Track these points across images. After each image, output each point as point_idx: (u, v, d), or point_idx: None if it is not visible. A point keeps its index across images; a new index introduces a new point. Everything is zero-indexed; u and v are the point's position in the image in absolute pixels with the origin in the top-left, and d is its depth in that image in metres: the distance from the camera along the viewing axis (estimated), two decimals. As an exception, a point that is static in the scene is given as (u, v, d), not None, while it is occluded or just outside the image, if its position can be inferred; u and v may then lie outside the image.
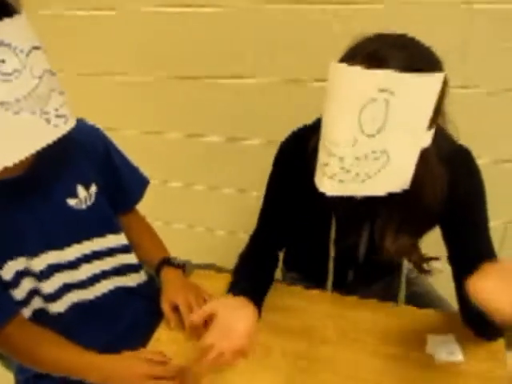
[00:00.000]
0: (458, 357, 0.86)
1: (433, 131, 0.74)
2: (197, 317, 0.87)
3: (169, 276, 1.04)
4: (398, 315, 0.98)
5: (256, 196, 1.74)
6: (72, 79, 1.66)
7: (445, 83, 0.72)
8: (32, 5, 1.50)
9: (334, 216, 0.96)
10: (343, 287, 1.09)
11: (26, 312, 0.92)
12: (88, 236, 0.96)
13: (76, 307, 0.97)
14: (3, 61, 0.65)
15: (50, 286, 0.91)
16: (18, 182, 0.85)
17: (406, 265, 1.03)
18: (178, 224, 2.00)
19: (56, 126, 0.74)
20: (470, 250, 0.90)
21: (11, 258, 0.86)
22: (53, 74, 0.73)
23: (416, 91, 0.67)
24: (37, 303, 0.93)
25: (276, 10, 1.36)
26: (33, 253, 0.88)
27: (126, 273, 1.05)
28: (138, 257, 1.09)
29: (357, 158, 0.71)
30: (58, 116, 0.74)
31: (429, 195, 0.80)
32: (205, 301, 0.99)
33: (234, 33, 1.45)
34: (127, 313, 1.05)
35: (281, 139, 0.99)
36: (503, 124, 1.36)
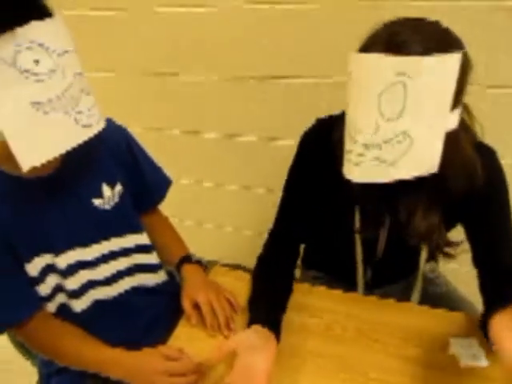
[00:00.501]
0: (482, 361, 0.84)
1: (458, 112, 0.74)
2: (216, 359, 0.85)
3: (189, 273, 1.05)
4: (419, 316, 0.97)
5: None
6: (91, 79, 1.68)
7: (465, 61, 0.71)
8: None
9: (358, 206, 0.96)
10: (365, 287, 1.08)
11: (51, 307, 0.93)
12: (111, 235, 0.97)
13: (98, 304, 0.98)
14: (37, 61, 0.66)
15: (73, 282, 0.93)
16: (48, 181, 0.87)
17: (424, 261, 1.02)
18: (207, 223, 2.02)
19: (86, 126, 0.74)
20: (493, 254, 0.89)
21: (38, 254, 0.88)
22: (83, 75, 0.74)
23: (433, 73, 0.67)
24: (61, 299, 0.94)
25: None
26: (59, 250, 0.90)
27: (146, 272, 1.06)
28: (160, 255, 1.09)
29: (380, 144, 0.72)
30: (88, 116, 0.74)
31: (458, 178, 0.80)
32: (226, 299, 1.00)
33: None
34: (147, 310, 1.06)
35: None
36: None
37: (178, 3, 1.47)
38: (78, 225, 0.91)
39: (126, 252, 1.00)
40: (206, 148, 1.76)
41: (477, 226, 0.93)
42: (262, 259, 1.05)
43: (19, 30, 0.64)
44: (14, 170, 0.81)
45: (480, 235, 0.93)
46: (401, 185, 0.77)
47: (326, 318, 0.97)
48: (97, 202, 0.94)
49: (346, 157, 0.77)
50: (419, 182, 0.78)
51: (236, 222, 1.93)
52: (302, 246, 1.14)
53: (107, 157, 0.96)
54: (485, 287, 0.91)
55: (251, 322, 0.89)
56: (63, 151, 0.73)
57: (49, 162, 0.73)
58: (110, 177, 0.96)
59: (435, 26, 0.73)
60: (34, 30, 0.65)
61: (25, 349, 1.08)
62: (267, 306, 0.92)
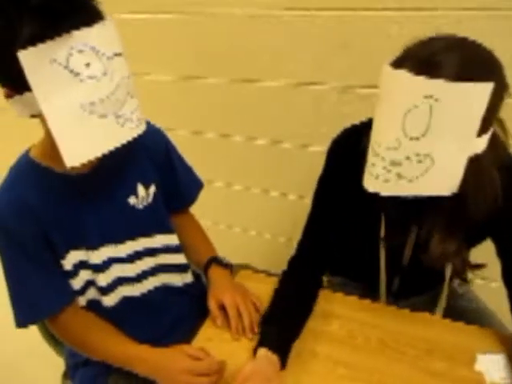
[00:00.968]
0: (510, 379, 0.82)
1: (486, 137, 0.72)
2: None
3: (216, 275, 1.06)
4: (445, 329, 0.95)
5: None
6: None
7: (500, 89, 0.70)
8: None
9: (384, 215, 0.95)
10: (387, 297, 1.07)
11: (81, 301, 0.96)
12: (142, 234, 0.99)
13: (126, 300, 1.00)
14: (88, 64, 0.68)
15: (104, 278, 0.95)
16: (85, 179, 0.89)
17: (449, 277, 1.00)
18: (236, 227, 2.04)
19: (128, 129, 0.76)
20: None
21: (73, 250, 0.91)
22: (130, 78, 0.76)
23: (462, 99, 0.66)
24: (91, 294, 0.97)
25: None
26: (92, 246, 0.92)
27: (173, 272, 1.07)
28: (188, 256, 1.11)
29: (401, 160, 0.71)
30: (131, 120, 0.76)
31: (479, 202, 0.78)
32: (252, 303, 1.00)
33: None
34: (172, 309, 1.08)
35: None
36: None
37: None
38: (111, 222, 0.94)
39: (155, 251, 1.02)
40: (235, 151, 1.78)
41: (506, 242, 0.91)
42: (287, 273, 1.05)
43: (75, 33, 0.67)
44: (57, 166, 0.85)
45: (508, 254, 0.91)
46: (425, 199, 0.77)
47: (349, 327, 0.97)
48: (131, 200, 0.96)
49: (367, 168, 0.77)
50: (439, 202, 0.78)
51: (272, 228, 1.94)
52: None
53: (144, 158, 0.99)
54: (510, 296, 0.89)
55: (263, 343, 0.88)
56: (106, 151, 0.75)
57: (90, 161, 0.76)
58: (146, 178, 0.98)
59: (476, 49, 0.72)
60: (87, 33, 0.68)
61: (53, 339, 1.10)
62: (282, 329, 0.91)
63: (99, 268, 0.94)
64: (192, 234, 1.15)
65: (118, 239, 0.96)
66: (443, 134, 0.68)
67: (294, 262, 1.06)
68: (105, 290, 0.96)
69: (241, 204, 1.91)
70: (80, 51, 0.68)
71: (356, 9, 1.32)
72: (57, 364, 1.16)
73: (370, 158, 0.76)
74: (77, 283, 0.94)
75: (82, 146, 0.73)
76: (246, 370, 0.82)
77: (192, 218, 1.19)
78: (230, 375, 0.87)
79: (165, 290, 1.06)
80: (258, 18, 1.46)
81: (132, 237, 0.98)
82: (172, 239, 1.05)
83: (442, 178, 0.73)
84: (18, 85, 0.69)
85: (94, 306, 0.97)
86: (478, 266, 0.90)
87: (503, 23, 1.19)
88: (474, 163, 0.73)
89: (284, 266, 1.06)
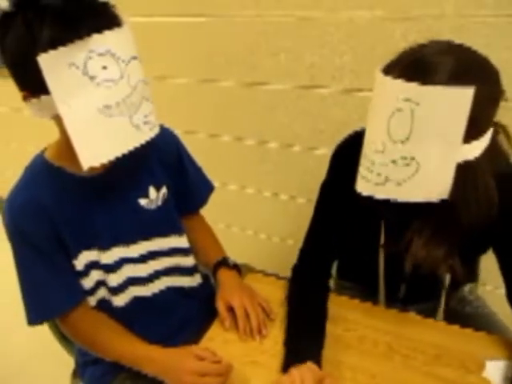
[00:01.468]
0: (518, 386, 0.82)
1: (479, 144, 0.71)
2: None
3: (225, 276, 1.06)
4: (453, 335, 0.95)
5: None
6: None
7: (492, 96, 0.70)
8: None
9: (383, 221, 0.95)
10: (396, 303, 1.07)
11: (92, 301, 0.97)
12: (153, 235, 1.00)
13: (136, 301, 1.01)
14: (105, 67, 0.70)
15: (115, 279, 0.96)
16: (98, 180, 0.90)
17: (447, 283, 1.00)
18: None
19: (142, 132, 0.78)
20: None
21: (84, 250, 0.92)
22: (146, 82, 0.77)
23: (442, 104, 0.66)
24: (102, 294, 0.98)
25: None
26: (104, 246, 0.94)
27: (182, 274, 1.08)
28: (198, 258, 1.12)
29: (387, 163, 0.72)
30: (145, 123, 0.78)
31: (471, 210, 0.77)
32: (260, 305, 1.01)
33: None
34: (180, 310, 1.08)
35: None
36: None
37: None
38: (123, 223, 0.95)
39: (165, 253, 1.03)
40: (247, 154, 1.79)
41: (507, 259, 0.90)
42: (294, 283, 1.05)
43: (93, 37, 0.68)
44: (70, 167, 0.86)
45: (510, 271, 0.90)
46: (422, 206, 0.76)
47: (356, 331, 0.97)
48: (143, 202, 0.97)
49: (359, 171, 0.78)
50: (430, 208, 0.77)
51: (281, 231, 1.95)
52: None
53: (156, 160, 1.00)
54: None
55: (301, 359, 0.85)
56: (120, 154, 0.76)
57: (103, 163, 0.77)
58: (157, 180, 0.99)
59: (469, 55, 0.71)
60: (105, 37, 0.69)
61: (64, 338, 1.12)
62: (313, 340, 0.91)
63: (110, 268, 0.95)
64: (202, 237, 1.16)
65: (129, 240, 0.97)
66: (426, 139, 0.68)
67: (298, 270, 1.06)
68: (116, 290, 0.97)
69: (252, 207, 1.92)
70: (98, 55, 0.69)
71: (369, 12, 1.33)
72: (66, 362, 1.18)
73: (362, 161, 0.77)
74: (87, 283, 0.95)
75: (97, 147, 0.74)
76: (295, 374, 0.81)
77: (202, 220, 1.20)
78: (237, 376, 0.87)
79: (174, 291, 1.07)
80: (270, 20, 1.47)
81: (143, 238, 0.99)
82: (182, 241, 1.06)
83: (429, 183, 0.73)
84: (36, 88, 0.71)
85: (103, 306, 0.98)
86: (471, 278, 0.89)
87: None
88: (467, 170, 0.72)
89: (279, 266, 1.06)
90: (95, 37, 0.68)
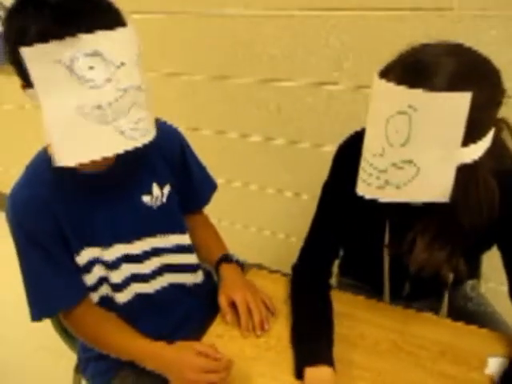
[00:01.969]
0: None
1: (479, 147, 0.71)
2: None
3: (227, 272, 1.06)
4: (456, 332, 0.95)
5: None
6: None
7: (492, 97, 0.69)
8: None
9: (388, 220, 0.95)
10: (400, 300, 1.07)
11: (94, 297, 0.97)
12: (156, 232, 1.00)
13: (138, 297, 1.01)
14: (92, 68, 0.68)
15: (117, 276, 0.96)
16: (100, 178, 0.90)
17: (450, 282, 1.00)
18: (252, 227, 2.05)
19: (128, 138, 0.74)
20: None
21: (86, 247, 0.92)
22: (141, 89, 0.74)
23: (440, 109, 0.65)
24: (104, 290, 0.98)
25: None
26: (106, 243, 0.94)
27: (184, 271, 1.08)
28: (201, 255, 1.12)
29: (386, 166, 0.72)
30: (133, 129, 0.75)
31: (472, 212, 0.76)
32: (262, 301, 1.01)
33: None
34: (182, 307, 1.08)
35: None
36: None
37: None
38: (125, 220, 0.95)
39: (167, 250, 1.03)
40: (253, 151, 1.79)
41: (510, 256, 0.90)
42: (296, 283, 1.05)
43: (83, 37, 0.66)
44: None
45: None
46: (426, 207, 0.76)
47: (359, 327, 0.97)
48: (146, 199, 0.97)
49: (359, 174, 0.78)
50: (431, 210, 0.77)
51: (286, 227, 1.94)
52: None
53: (160, 158, 0.99)
54: None
55: (313, 361, 0.86)
56: (98, 157, 0.74)
57: (103, 160, 0.76)
58: (161, 178, 0.99)
59: (469, 57, 0.71)
60: (97, 38, 0.67)
61: (66, 334, 1.12)
62: (324, 340, 0.91)
63: (113, 265, 0.95)
64: (205, 234, 1.16)
65: (131, 237, 0.97)
66: (425, 143, 0.68)
67: (298, 270, 1.06)
68: (118, 287, 0.97)
69: (257, 203, 1.92)
70: (86, 55, 0.67)
71: (376, 9, 1.32)
72: (69, 358, 1.18)
73: (362, 164, 0.77)
74: (90, 280, 0.95)
75: (73, 147, 0.72)
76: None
77: (205, 218, 1.20)
78: (238, 372, 0.87)
79: (176, 288, 1.07)
80: (278, 18, 1.47)
81: (145, 235, 0.99)
82: (184, 239, 1.05)
83: (429, 186, 0.73)
84: (26, 79, 0.70)
85: (106, 303, 0.99)
86: (473, 274, 0.89)
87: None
88: (467, 172, 0.72)
89: (283, 262, 1.06)
90: (86, 36, 0.67)
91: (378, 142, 0.72)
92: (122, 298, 0.99)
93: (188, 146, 1.09)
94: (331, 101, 1.53)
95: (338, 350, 0.90)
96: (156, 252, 1.01)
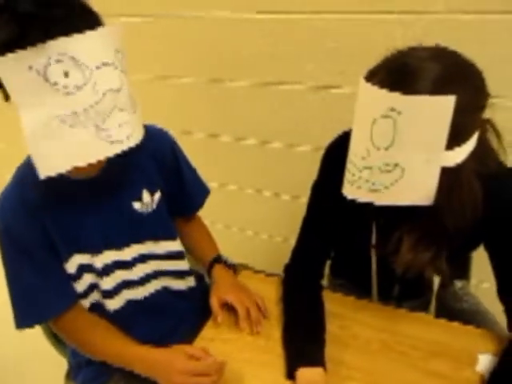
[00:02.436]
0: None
1: (463, 150, 0.71)
2: None
3: (219, 274, 1.06)
4: (447, 331, 0.95)
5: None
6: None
7: (475, 101, 0.70)
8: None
9: (375, 221, 0.96)
10: (390, 300, 1.07)
11: (85, 304, 0.96)
12: (146, 239, 0.99)
13: (129, 304, 1.00)
14: (67, 74, 0.66)
15: (108, 282, 0.96)
16: (91, 183, 0.89)
17: (437, 279, 1.01)
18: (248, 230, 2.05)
19: (113, 142, 0.72)
20: None
21: (76, 253, 0.91)
22: (121, 91, 0.72)
23: (424, 113, 0.66)
24: (94, 297, 0.98)
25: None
26: (96, 250, 0.93)
27: (175, 277, 1.07)
28: (194, 256, 1.11)
29: (370, 168, 0.73)
30: (117, 133, 0.73)
31: (457, 214, 0.77)
32: (255, 302, 1.01)
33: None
34: (174, 312, 1.08)
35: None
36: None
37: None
38: (115, 226, 0.94)
39: (158, 256, 1.02)
40: (248, 154, 1.79)
41: (501, 254, 0.90)
42: (288, 284, 1.05)
43: (51, 43, 0.64)
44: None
45: (504, 265, 0.90)
46: (404, 210, 0.76)
47: (350, 327, 0.97)
48: (136, 205, 0.96)
49: (345, 175, 0.79)
50: (416, 212, 0.77)
51: (282, 231, 1.94)
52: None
53: (150, 163, 0.98)
54: (507, 312, 0.89)
55: (303, 362, 0.87)
56: (80, 164, 0.71)
57: (93, 166, 0.75)
58: (151, 183, 0.98)
59: (453, 60, 0.71)
60: (68, 42, 0.65)
61: (56, 339, 1.11)
62: (316, 341, 0.91)
63: (103, 272, 0.94)
64: (198, 238, 1.16)
65: (122, 244, 0.96)
66: (409, 146, 0.69)
67: (290, 271, 1.06)
68: (109, 294, 0.97)
69: (252, 207, 1.92)
70: (59, 61, 0.65)
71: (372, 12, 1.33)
72: (60, 364, 1.17)
73: (348, 166, 0.78)
74: (80, 286, 0.94)
75: (55, 157, 0.70)
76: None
77: (198, 221, 1.20)
78: (230, 375, 0.87)
79: (167, 294, 1.07)
80: (277, 21, 1.47)
81: (136, 242, 0.98)
82: (175, 245, 1.05)
83: (414, 189, 0.73)
84: (5, 91, 0.68)
85: (96, 309, 0.98)
86: (462, 274, 0.89)
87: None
88: (452, 175, 0.72)
89: (281, 266, 1.07)
90: (56, 42, 0.64)
91: (364, 145, 0.72)
92: (113, 304, 0.98)
93: (180, 150, 1.08)
94: (327, 104, 1.53)
95: (329, 350, 0.90)
96: (147, 258, 1.01)
